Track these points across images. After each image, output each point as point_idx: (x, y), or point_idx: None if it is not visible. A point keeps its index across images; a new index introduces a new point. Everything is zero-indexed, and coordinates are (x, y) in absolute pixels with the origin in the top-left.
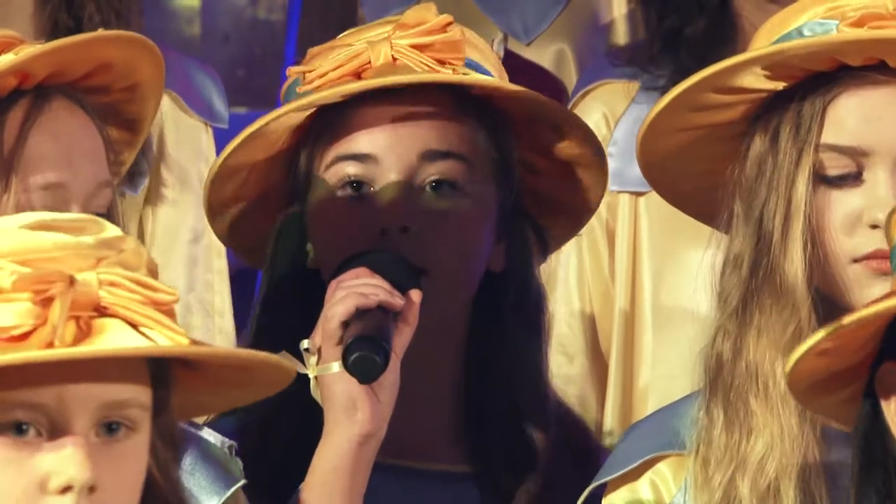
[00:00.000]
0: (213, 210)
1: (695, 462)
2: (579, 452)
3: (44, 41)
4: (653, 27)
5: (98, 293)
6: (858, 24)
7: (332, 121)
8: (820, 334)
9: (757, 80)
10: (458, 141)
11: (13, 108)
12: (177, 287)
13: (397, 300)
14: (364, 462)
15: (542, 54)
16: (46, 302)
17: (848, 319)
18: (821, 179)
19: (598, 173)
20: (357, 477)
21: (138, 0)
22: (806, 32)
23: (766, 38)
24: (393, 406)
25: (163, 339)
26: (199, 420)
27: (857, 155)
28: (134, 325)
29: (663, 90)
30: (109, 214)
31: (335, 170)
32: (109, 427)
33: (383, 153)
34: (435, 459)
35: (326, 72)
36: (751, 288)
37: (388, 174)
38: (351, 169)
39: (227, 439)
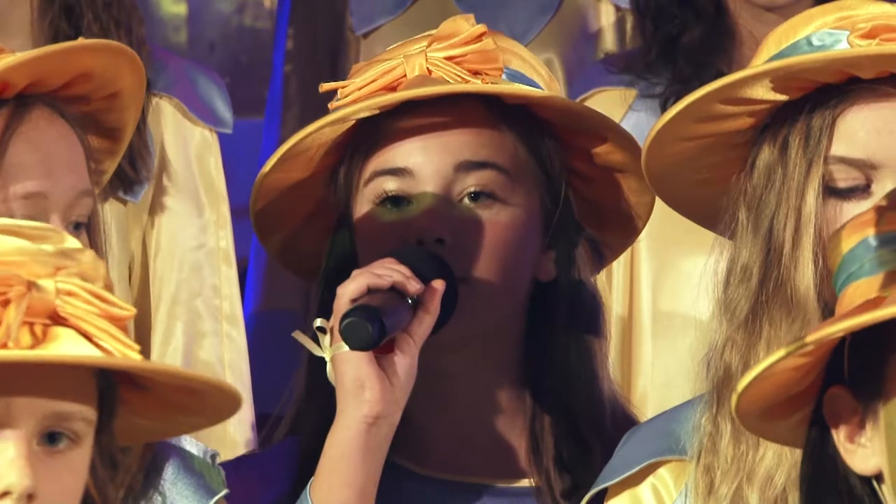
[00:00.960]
0: (262, 231)
1: (696, 469)
2: None
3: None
4: (648, 35)
5: (55, 301)
6: (870, 35)
7: (367, 135)
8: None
9: (766, 92)
10: (494, 151)
11: None
12: (185, 292)
13: (413, 284)
14: (374, 445)
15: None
16: (3, 304)
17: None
18: (830, 191)
19: (643, 179)
20: (367, 459)
21: (137, 8)
22: (815, 42)
23: (775, 47)
24: (409, 392)
25: (116, 352)
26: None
27: (867, 167)
28: (88, 337)
29: (661, 98)
30: (90, 223)
31: (373, 186)
32: (52, 437)
33: (419, 166)
34: (491, 474)
35: (361, 86)
36: (760, 300)
37: (424, 187)
38: (389, 185)
39: (208, 449)
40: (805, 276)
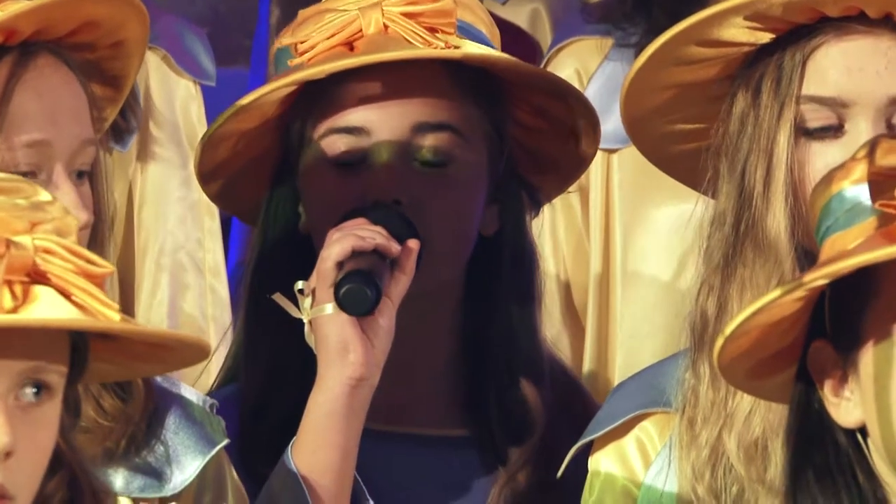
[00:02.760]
0: (205, 177)
1: (681, 422)
2: (575, 413)
3: None
4: None
5: (34, 258)
6: None
7: (323, 93)
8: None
9: (739, 33)
10: (449, 113)
11: None
12: (169, 243)
13: (394, 245)
14: (357, 406)
15: (518, 13)
16: None
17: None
18: (802, 132)
19: (592, 138)
20: (351, 421)
21: None
22: None
23: None
24: (387, 352)
25: (95, 311)
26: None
27: (838, 106)
28: (66, 295)
29: (636, 47)
30: (93, 171)
31: (327, 142)
32: (27, 392)
33: (375, 126)
34: (432, 425)
35: (317, 43)
36: (734, 242)
37: (379, 147)
38: (343, 142)
39: (207, 398)
40: (776, 217)
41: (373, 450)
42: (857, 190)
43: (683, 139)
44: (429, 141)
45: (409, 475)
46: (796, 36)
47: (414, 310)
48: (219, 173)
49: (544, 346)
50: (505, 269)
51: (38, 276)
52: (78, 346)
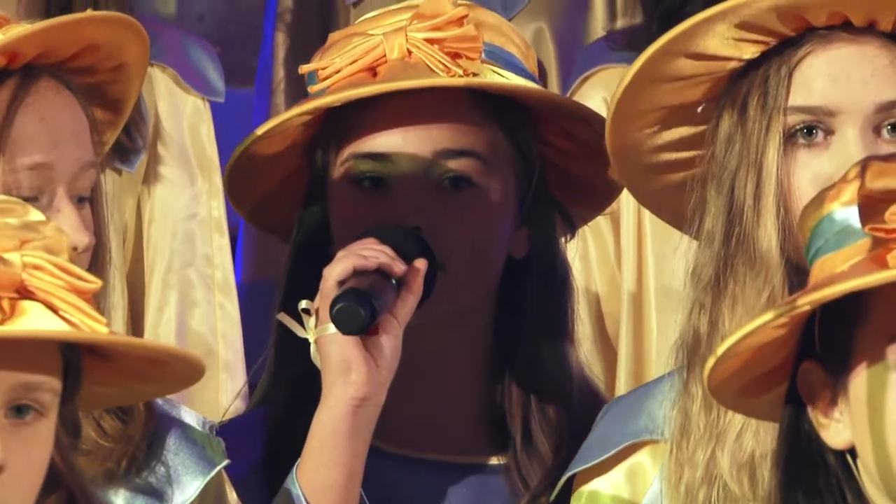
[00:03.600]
0: (236, 199)
1: (673, 442)
2: None
3: (38, 19)
4: (650, 9)
5: (21, 274)
6: None
7: (347, 118)
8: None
9: (723, 45)
10: (473, 139)
11: (0, 87)
12: (178, 261)
13: (398, 265)
14: (361, 425)
15: (521, 32)
16: None
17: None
18: (790, 141)
19: None
20: (355, 440)
21: None
22: None
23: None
24: (394, 371)
25: (83, 325)
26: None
27: (825, 115)
28: (54, 310)
29: None
30: (94, 195)
31: (350, 167)
32: (19, 409)
33: (397, 152)
34: (459, 451)
35: (340, 68)
36: (724, 258)
37: (401, 173)
38: (365, 167)
39: (206, 419)
40: (767, 230)
41: (399, 475)
42: (847, 212)
43: (669, 169)
44: (450, 167)
45: (436, 501)
46: (781, 50)
47: (439, 335)
48: (249, 197)
49: (575, 370)
50: (533, 293)
51: (26, 292)
52: (71, 364)
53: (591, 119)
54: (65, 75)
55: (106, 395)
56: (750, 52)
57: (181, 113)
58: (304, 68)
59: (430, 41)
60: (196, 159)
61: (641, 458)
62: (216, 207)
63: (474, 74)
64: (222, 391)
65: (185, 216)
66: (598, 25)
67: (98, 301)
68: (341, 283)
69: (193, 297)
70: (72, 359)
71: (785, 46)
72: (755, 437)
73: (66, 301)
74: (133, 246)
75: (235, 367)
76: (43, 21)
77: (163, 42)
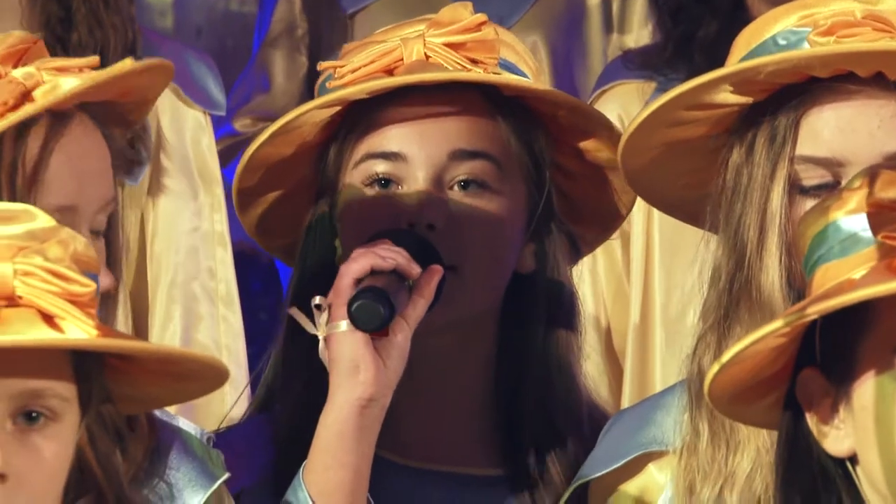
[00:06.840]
0: (242, 204)
1: (679, 467)
2: None
3: (38, 34)
4: (666, 31)
5: (12, 283)
6: (828, 32)
7: (362, 117)
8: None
9: (728, 96)
10: (487, 141)
11: (34, 126)
12: (182, 275)
13: (414, 267)
14: (367, 426)
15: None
16: None
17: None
18: (797, 190)
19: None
20: (361, 441)
21: None
22: (780, 42)
23: (744, 48)
24: (400, 375)
25: (76, 330)
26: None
27: (834, 165)
28: (47, 317)
29: None
30: (111, 222)
31: (364, 167)
32: (29, 416)
33: (412, 152)
34: (468, 463)
35: (357, 67)
36: (729, 299)
37: (416, 173)
38: (380, 167)
39: (204, 430)
40: (770, 276)
41: (409, 487)
42: (853, 220)
43: (683, 188)
44: (465, 168)
45: None
46: (789, 94)
47: (448, 343)
48: (256, 203)
49: (583, 388)
50: (539, 311)
51: (18, 300)
52: (83, 369)
53: (606, 125)
54: (93, 108)
55: (156, 394)
56: (755, 99)
57: (183, 126)
58: (323, 65)
59: (449, 45)
60: (198, 172)
61: (651, 469)
62: (219, 221)
63: (495, 75)
64: (227, 402)
65: (188, 229)
66: (594, 40)
67: (106, 314)
68: (358, 281)
69: (198, 310)
70: (83, 363)
71: (793, 91)
72: (765, 479)
73: (57, 307)
74: (136, 261)
75: (239, 380)
76: (86, 77)
77: (163, 55)
